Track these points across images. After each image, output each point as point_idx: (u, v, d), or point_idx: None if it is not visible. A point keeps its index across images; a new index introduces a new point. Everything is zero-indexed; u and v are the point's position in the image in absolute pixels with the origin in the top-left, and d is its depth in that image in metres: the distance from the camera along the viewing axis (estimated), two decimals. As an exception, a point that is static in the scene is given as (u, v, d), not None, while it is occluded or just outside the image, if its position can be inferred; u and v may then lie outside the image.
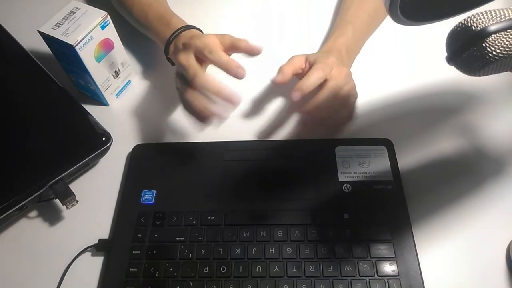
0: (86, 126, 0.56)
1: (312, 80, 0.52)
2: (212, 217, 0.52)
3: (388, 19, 0.45)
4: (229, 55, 0.53)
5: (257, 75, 0.64)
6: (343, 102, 0.54)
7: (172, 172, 0.56)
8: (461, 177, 0.54)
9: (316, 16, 0.72)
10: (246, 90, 0.62)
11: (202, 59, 0.52)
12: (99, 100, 0.64)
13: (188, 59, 0.52)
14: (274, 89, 0.64)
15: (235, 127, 0.61)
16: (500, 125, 0.58)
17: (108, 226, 0.54)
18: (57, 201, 0.52)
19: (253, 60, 0.66)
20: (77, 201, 0.52)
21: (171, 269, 0.49)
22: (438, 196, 0.53)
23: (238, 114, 0.62)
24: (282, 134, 0.60)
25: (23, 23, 0.68)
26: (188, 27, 0.58)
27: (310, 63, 0.55)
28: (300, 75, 0.56)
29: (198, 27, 0.59)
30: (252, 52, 0.52)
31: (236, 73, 0.49)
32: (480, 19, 0.34)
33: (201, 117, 0.52)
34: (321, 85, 0.53)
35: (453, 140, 0.57)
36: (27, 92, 0.60)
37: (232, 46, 0.53)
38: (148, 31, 0.64)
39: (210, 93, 0.50)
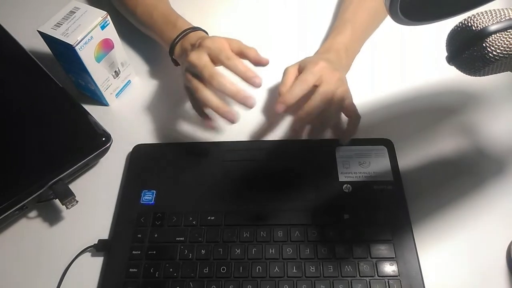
0: (86, 126, 0.56)
1: (295, 92, 0.52)
2: (212, 218, 0.52)
3: (388, 18, 0.45)
4: None
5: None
6: (337, 106, 0.54)
7: (172, 172, 0.56)
8: (461, 177, 0.54)
9: (315, 16, 0.72)
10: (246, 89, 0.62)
11: (214, 61, 0.52)
12: (99, 100, 0.64)
13: (201, 59, 0.51)
14: (274, 89, 0.64)
15: (235, 127, 0.60)
16: (500, 125, 0.58)
17: (108, 227, 0.53)
18: (57, 201, 0.52)
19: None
20: (77, 201, 0.52)
21: (171, 270, 0.49)
22: (439, 196, 0.53)
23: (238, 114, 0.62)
24: (282, 134, 0.60)
25: (22, 23, 0.68)
26: (195, 28, 0.58)
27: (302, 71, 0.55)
28: None
29: (204, 29, 0.59)
30: (259, 62, 0.52)
31: (253, 83, 0.50)
32: (480, 19, 0.34)
33: (211, 119, 0.54)
34: (312, 91, 0.53)
35: (454, 140, 0.57)
36: (26, 92, 0.60)
37: (240, 53, 0.53)
38: (152, 31, 0.64)
39: (226, 94, 0.50)
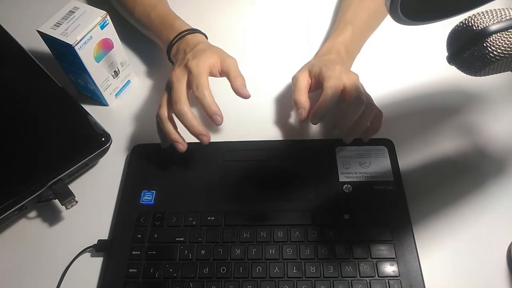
0: (85, 126, 0.56)
1: (330, 101, 0.51)
2: (212, 218, 0.52)
3: (389, 18, 0.45)
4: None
5: (257, 76, 0.64)
6: (369, 102, 0.53)
7: (172, 172, 0.56)
8: (462, 177, 0.54)
9: (316, 16, 0.72)
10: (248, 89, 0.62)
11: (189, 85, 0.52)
12: (98, 100, 0.64)
13: (179, 80, 0.51)
14: (273, 90, 0.64)
15: (235, 127, 0.60)
16: (500, 125, 0.58)
17: (107, 227, 0.53)
18: (57, 201, 0.52)
19: (252, 61, 0.67)
20: (77, 202, 0.52)
21: (170, 270, 0.49)
22: (439, 196, 0.53)
23: (238, 114, 0.62)
24: (282, 134, 0.60)
25: (22, 23, 0.68)
26: (193, 30, 0.58)
27: (315, 76, 0.54)
28: (309, 91, 0.56)
29: (203, 31, 0.59)
30: (239, 95, 0.52)
31: (212, 119, 0.50)
32: (481, 18, 0.34)
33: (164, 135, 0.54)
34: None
35: (454, 140, 0.57)
36: (26, 92, 0.60)
37: (227, 76, 0.53)
38: (150, 32, 0.64)
39: (182, 123, 0.51)
